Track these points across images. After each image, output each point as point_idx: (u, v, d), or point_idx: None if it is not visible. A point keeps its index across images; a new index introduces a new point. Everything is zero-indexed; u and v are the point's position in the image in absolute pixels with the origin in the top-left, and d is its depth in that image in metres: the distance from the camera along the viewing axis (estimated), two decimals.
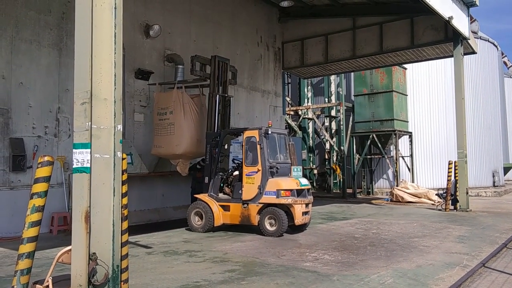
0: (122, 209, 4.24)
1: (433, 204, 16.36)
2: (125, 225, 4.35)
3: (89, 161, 4.10)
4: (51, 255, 7.12)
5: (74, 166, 4.15)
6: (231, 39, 16.09)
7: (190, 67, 11.45)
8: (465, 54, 15.52)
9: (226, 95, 11.72)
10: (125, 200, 4.36)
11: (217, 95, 11.32)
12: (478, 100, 23.85)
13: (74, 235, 4.08)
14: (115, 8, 4.23)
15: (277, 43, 18.76)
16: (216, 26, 15.38)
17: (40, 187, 4.02)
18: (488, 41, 25.36)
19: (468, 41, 15.25)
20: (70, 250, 4.09)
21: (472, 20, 18.24)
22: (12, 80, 9.87)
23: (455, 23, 13.60)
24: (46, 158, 4.08)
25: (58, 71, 10.71)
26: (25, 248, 3.95)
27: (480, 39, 23.74)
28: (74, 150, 4.18)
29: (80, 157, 4.12)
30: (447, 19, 13.16)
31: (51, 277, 3.96)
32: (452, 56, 15.47)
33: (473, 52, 16.64)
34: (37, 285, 4.05)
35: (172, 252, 7.83)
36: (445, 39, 15.43)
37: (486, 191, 22.16)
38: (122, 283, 4.18)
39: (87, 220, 4.03)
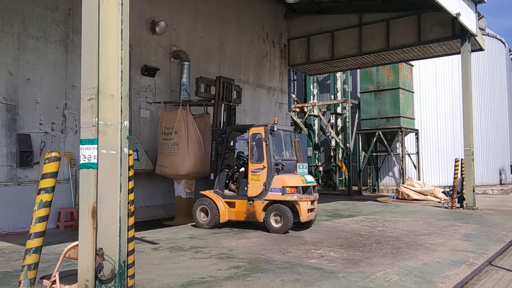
0: (129, 205, 4.25)
1: (439, 202, 16.30)
2: (132, 220, 4.36)
3: (96, 157, 4.10)
4: (58, 251, 7.17)
5: (81, 162, 4.16)
6: (237, 35, 16.08)
7: (195, 88, 11.57)
8: (472, 51, 15.41)
9: (231, 103, 11.75)
10: (131, 196, 4.37)
11: (223, 104, 11.38)
12: (485, 97, 23.70)
13: (81, 230, 4.10)
14: (122, 4, 4.22)
15: (283, 39, 18.72)
16: (222, 23, 15.37)
17: (47, 183, 4.03)
18: (496, 38, 25.17)
19: (476, 37, 15.14)
20: (77, 245, 4.10)
21: (479, 16, 18.10)
22: (19, 76, 9.92)
23: (463, 19, 13.50)
24: (53, 154, 4.09)
25: (65, 67, 10.75)
26: (33, 243, 3.97)
27: (488, 36, 23.57)
28: (81, 146, 4.19)
29: (87, 153, 4.12)
30: (455, 15, 13.07)
31: (58, 272, 3.97)
32: (459, 53, 15.37)
33: (481, 49, 16.51)
34: (44, 280, 4.06)
35: (178, 248, 7.86)
36: (452, 36, 15.33)
37: (493, 189, 22.03)
38: (128, 278, 4.18)
39: (94, 216, 4.04)
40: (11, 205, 9.52)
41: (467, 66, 14.63)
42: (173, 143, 10.96)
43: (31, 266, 3.96)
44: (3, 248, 7.94)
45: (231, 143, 10.82)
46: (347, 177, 22.79)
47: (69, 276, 4.17)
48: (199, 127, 11.22)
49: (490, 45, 22.55)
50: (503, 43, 26.03)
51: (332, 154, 24.50)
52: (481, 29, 18.68)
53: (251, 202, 9.78)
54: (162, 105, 11.86)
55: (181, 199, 11.30)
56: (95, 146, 4.11)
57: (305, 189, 9.64)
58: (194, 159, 10.91)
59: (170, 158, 10.97)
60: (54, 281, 3.96)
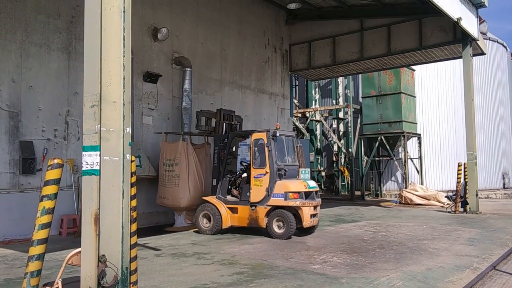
0: (131, 211, 4.25)
1: (442, 206, 16.25)
2: (134, 227, 4.36)
3: (98, 164, 4.10)
4: (61, 257, 7.17)
5: (84, 168, 4.17)
6: (239, 41, 16.13)
7: (196, 122, 11.60)
8: (474, 55, 15.42)
9: (232, 122, 11.76)
10: (134, 202, 4.37)
11: (224, 123, 11.39)
12: (487, 101, 23.68)
13: (84, 237, 4.10)
14: (124, 11, 4.24)
15: (285, 45, 18.77)
16: (224, 29, 15.42)
17: (50, 189, 4.04)
18: (497, 42, 25.19)
19: (477, 42, 15.15)
20: (79, 252, 4.10)
21: (481, 21, 18.12)
22: (22, 84, 9.96)
23: (464, 24, 13.52)
24: (56, 161, 4.10)
25: (67, 74, 10.79)
26: (35, 250, 3.97)
27: (489, 40, 23.57)
28: (83, 153, 4.20)
29: (90, 160, 4.13)
30: (456, 20, 13.10)
31: (61, 279, 3.97)
32: (461, 57, 15.38)
33: (482, 53, 16.53)
34: (47, 287, 4.07)
35: (180, 254, 7.84)
36: (453, 40, 15.35)
37: (496, 193, 21.97)
38: (131, 285, 4.19)
39: (96, 222, 4.04)
40: (14, 212, 9.53)
41: (469, 70, 14.62)
42: (174, 175, 10.92)
43: (34, 273, 3.95)
44: (6, 255, 7.93)
45: (234, 149, 10.81)
46: (349, 182, 22.76)
47: (72, 283, 4.17)
48: (199, 158, 11.21)
49: (491, 49, 22.56)
50: (505, 47, 26.03)
51: (334, 159, 24.49)
52: (482, 33, 18.68)
53: (253, 207, 9.77)
54: (163, 135, 11.71)
55: (179, 229, 11.22)
56: (98, 152, 4.12)
57: (307, 195, 9.62)
58: (194, 191, 10.90)
59: (172, 190, 10.93)
60: None
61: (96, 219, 4.05)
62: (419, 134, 21.72)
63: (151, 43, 12.75)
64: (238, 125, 12.19)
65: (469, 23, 14.13)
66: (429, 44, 15.88)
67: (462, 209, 14.32)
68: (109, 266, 3.98)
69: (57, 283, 3.97)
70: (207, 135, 11.91)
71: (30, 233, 4.15)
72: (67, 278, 4.31)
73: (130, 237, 4.21)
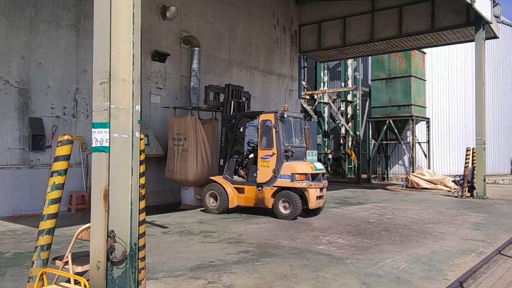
0: (140, 188, 4.29)
1: (449, 191, 16.24)
2: (143, 204, 4.40)
3: (107, 141, 4.12)
4: (70, 233, 7.29)
5: (93, 145, 4.19)
6: (248, 21, 15.96)
7: (204, 97, 11.56)
8: (486, 38, 15.17)
9: (240, 100, 11.72)
10: (142, 180, 4.40)
11: (232, 101, 11.35)
12: (498, 86, 23.38)
13: (93, 213, 4.15)
14: None
15: (294, 26, 18.56)
16: (233, 8, 15.26)
17: (60, 165, 4.07)
18: (510, 25, 24.71)
19: (490, 25, 14.89)
20: (89, 227, 4.15)
21: (494, 3, 17.74)
22: (31, 60, 9.98)
23: (477, 6, 13.27)
24: (66, 137, 4.13)
25: (76, 52, 10.78)
26: (46, 224, 4.02)
27: (502, 23, 23.13)
28: (93, 130, 4.21)
29: (99, 137, 4.15)
30: (469, 2, 12.85)
31: (70, 253, 4.03)
32: (473, 40, 15.16)
33: (495, 37, 16.25)
34: (57, 261, 4.13)
35: (187, 232, 7.94)
36: (466, 23, 15.10)
37: (504, 178, 21.87)
38: (139, 260, 4.24)
39: (105, 199, 4.08)
40: (23, 187, 9.66)
41: (481, 54, 14.42)
42: (182, 149, 11.02)
43: (44, 247, 4.02)
44: (15, 229, 8.07)
45: (241, 130, 10.81)
46: (356, 165, 22.75)
47: (81, 257, 4.23)
48: (206, 133, 11.26)
49: (504, 32, 22.13)
50: None
51: (341, 141, 24.44)
52: (495, 16, 18.32)
53: (260, 188, 9.82)
54: (171, 110, 11.70)
55: (187, 207, 11.32)
56: (107, 129, 4.13)
57: (314, 176, 9.65)
58: (201, 166, 10.98)
59: (180, 164, 11.03)
60: (67, 262, 4.02)
61: (106, 195, 4.09)
62: (428, 118, 21.56)
63: (160, 22, 12.66)
64: (246, 103, 12.16)
65: (483, 6, 13.86)
66: (441, 26, 15.63)
67: (469, 194, 14.31)
68: (118, 242, 4.03)
69: (67, 257, 4.03)
70: (215, 110, 11.91)
71: (39, 209, 4.22)
72: (76, 252, 4.38)
73: (139, 214, 4.25)
